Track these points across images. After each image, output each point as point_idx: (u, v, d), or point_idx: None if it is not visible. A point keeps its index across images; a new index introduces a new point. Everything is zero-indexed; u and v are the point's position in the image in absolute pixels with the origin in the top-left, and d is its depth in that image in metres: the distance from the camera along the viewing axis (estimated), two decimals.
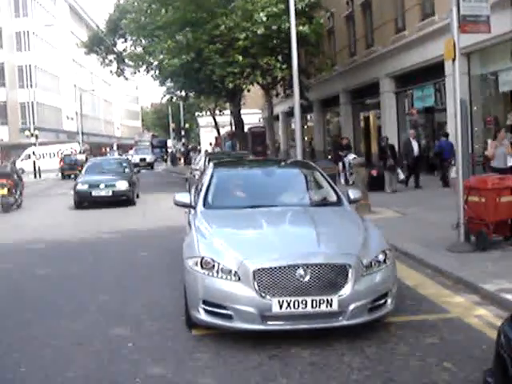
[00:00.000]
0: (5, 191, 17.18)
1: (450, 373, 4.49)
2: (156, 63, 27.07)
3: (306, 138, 34.41)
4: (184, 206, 7.09)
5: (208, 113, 49.29)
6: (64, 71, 71.50)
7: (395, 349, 5.01)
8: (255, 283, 4.98)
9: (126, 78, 41.19)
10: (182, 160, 48.50)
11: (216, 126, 47.11)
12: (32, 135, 43.04)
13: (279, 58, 23.95)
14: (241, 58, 23.13)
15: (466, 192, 8.53)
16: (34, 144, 42.89)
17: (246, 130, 33.04)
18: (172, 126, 63.51)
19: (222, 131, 46.73)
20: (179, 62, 23.71)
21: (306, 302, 4.92)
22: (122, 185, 18.12)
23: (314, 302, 4.93)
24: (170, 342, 5.38)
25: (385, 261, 5.37)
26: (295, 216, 6.36)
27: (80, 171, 24.82)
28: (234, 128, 35.95)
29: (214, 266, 5.18)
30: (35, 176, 39.44)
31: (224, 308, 5.08)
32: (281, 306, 4.92)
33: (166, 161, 56.19)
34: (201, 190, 7.17)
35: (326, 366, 4.68)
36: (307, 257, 5.13)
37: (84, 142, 57.66)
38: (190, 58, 23.75)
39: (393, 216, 12.58)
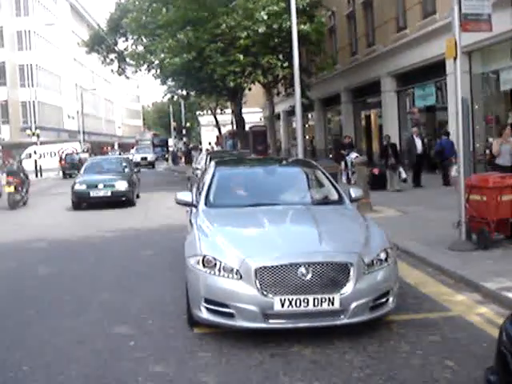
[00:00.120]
0: (12, 189, 17.85)
1: (452, 371, 4.50)
2: (157, 62, 27.01)
3: (307, 137, 34.41)
4: (186, 204, 7.10)
5: (209, 112, 49.29)
6: (65, 70, 71.59)
7: (397, 347, 5.02)
8: (257, 281, 4.98)
9: (127, 77, 41.17)
10: (183, 159, 48.48)
11: (217, 124, 47.10)
12: (33, 134, 42.99)
13: (280, 56, 23.88)
14: (242, 56, 23.15)
15: (468, 190, 8.53)
16: (36, 143, 42.88)
17: (247, 128, 33.02)
18: (173, 124, 63.45)
19: (223, 130, 46.73)
20: (180, 61, 23.72)
21: (308, 300, 4.92)
22: (122, 185, 17.58)
23: (316, 301, 4.93)
24: (172, 340, 5.38)
25: (386, 259, 5.38)
26: (297, 214, 6.35)
27: None
28: (235, 127, 35.96)
29: (215, 264, 5.18)
30: (36, 175, 39.41)
31: (226, 306, 5.07)
32: (282, 305, 4.92)
33: (167, 160, 56.09)
34: (202, 188, 7.17)
35: (328, 364, 4.69)
36: (309, 255, 5.13)
37: (85, 141, 57.63)
38: (191, 57, 23.75)
39: (394, 215, 12.58)
